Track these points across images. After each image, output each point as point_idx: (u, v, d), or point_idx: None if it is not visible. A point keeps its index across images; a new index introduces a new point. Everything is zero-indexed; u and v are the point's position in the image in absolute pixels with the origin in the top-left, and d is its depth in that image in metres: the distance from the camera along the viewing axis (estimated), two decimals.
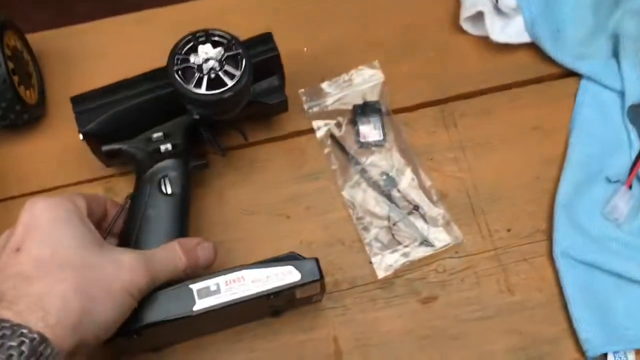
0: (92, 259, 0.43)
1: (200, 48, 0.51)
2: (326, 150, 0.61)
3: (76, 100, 0.54)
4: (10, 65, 0.57)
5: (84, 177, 0.60)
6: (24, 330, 0.37)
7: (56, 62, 0.64)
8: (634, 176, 0.58)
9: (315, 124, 0.61)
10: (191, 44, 0.51)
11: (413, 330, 0.55)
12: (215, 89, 0.50)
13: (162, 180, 0.53)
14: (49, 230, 0.43)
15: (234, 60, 0.51)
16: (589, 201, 0.58)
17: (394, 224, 0.58)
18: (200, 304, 0.47)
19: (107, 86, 0.55)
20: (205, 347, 0.55)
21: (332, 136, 0.61)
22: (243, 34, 0.53)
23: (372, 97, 0.62)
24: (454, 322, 0.55)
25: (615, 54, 0.62)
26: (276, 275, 0.47)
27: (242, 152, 0.61)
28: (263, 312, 0.54)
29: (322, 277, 0.48)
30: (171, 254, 0.48)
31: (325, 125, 0.61)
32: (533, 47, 0.64)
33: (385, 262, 0.57)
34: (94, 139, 0.54)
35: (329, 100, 0.62)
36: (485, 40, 0.63)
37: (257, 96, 0.56)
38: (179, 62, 0.50)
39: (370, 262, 0.57)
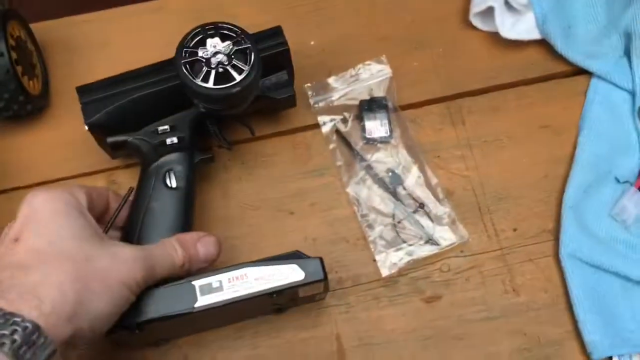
0: (90, 251, 0.43)
1: (209, 41, 0.50)
2: (331, 146, 0.60)
3: (82, 91, 0.54)
4: (14, 55, 0.56)
5: (87, 169, 0.60)
6: (17, 319, 0.37)
7: (60, 52, 0.64)
8: None
9: (321, 119, 0.61)
10: (200, 36, 0.50)
11: (417, 329, 0.55)
12: (223, 84, 0.49)
13: (167, 173, 0.53)
14: (48, 221, 0.43)
15: (242, 55, 0.50)
16: (597, 202, 0.57)
17: (399, 222, 0.58)
18: (202, 301, 0.47)
19: (114, 77, 0.54)
20: (207, 343, 0.54)
21: (337, 132, 0.60)
22: (249, 26, 0.52)
23: (379, 93, 0.61)
24: (458, 322, 0.55)
25: (627, 53, 0.61)
26: (280, 274, 0.47)
27: (248, 146, 0.61)
28: (266, 310, 0.54)
29: (326, 277, 0.48)
30: (168, 249, 0.48)
31: (331, 120, 0.61)
32: (543, 44, 0.63)
33: (389, 260, 0.56)
34: (99, 131, 0.54)
35: (335, 95, 0.61)
36: (495, 36, 0.63)
37: (265, 91, 0.55)
38: (186, 55, 0.50)
39: (374, 260, 0.57)
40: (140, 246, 0.47)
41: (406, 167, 0.59)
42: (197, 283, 0.47)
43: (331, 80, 0.62)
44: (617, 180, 0.58)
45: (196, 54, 0.49)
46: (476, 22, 0.63)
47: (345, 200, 0.59)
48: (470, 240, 0.57)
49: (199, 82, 0.49)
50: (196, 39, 0.50)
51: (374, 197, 0.58)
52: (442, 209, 0.58)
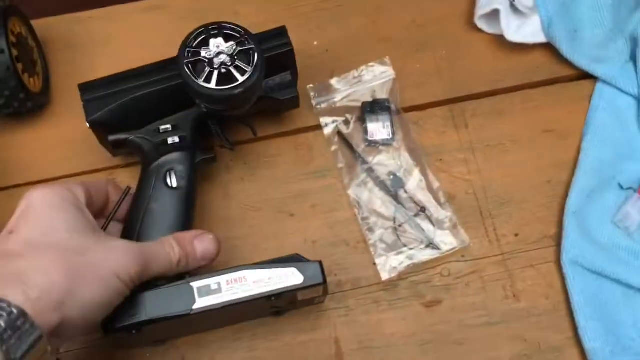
0: (83, 243, 0.43)
1: (212, 42, 0.50)
2: (333, 148, 0.60)
3: (84, 88, 0.53)
4: (15, 52, 0.56)
5: (87, 167, 0.60)
6: (2, 304, 0.37)
7: (61, 49, 0.64)
8: None
9: (323, 120, 0.60)
10: (203, 36, 0.50)
11: (416, 333, 0.55)
12: (225, 85, 0.49)
13: (168, 173, 0.53)
14: (43, 215, 0.44)
15: (246, 56, 0.50)
16: (600, 208, 0.57)
17: (400, 226, 0.57)
18: (200, 303, 0.47)
19: (116, 75, 0.54)
20: (205, 344, 0.54)
21: (339, 133, 0.60)
22: (252, 26, 0.51)
23: (382, 95, 0.61)
24: (458, 327, 0.55)
25: (633, 58, 0.61)
26: (278, 277, 0.47)
27: (251, 146, 0.60)
28: (264, 312, 0.53)
29: (325, 281, 0.47)
30: (165, 246, 0.48)
31: (333, 122, 0.60)
32: (548, 47, 0.62)
33: (389, 264, 0.56)
34: (101, 128, 0.53)
35: (338, 97, 0.61)
36: (500, 39, 0.62)
37: (268, 91, 0.55)
38: (189, 54, 0.49)
39: (375, 264, 0.56)
40: (136, 242, 0.48)
41: (408, 170, 0.59)
42: (196, 285, 0.47)
43: (334, 81, 0.61)
44: (621, 187, 0.57)
45: (199, 54, 0.49)
46: (481, 24, 0.63)
47: (346, 202, 0.58)
48: (472, 245, 0.57)
49: (201, 82, 0.48)
50: (199, 39, 0.50)
51: (375, 200, 0.58)
52: (443, 213, 0.57)
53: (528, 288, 0.56)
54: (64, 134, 0.60)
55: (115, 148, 0.55)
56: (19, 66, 0.56)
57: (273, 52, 0.53)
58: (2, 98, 0.56)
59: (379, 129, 0.60)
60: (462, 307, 0.55)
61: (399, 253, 0.56)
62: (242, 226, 0.58)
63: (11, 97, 0.56)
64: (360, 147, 0.60)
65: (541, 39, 0.62)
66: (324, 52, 0.63)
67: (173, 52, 0.50)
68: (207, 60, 0.49)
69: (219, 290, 0.47)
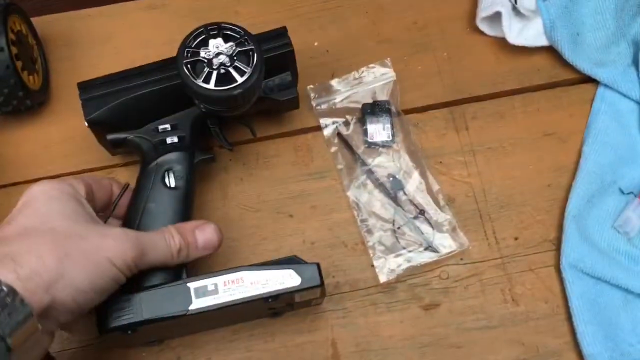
0: (80, 230, 0.44)
1: (212, 42, 0.49)
2: (333, 149, 0.59)
3: (83, 87, 0.53)
4: (14, 50, 0.56)
5: (86, 165, 0.60)
6: None
7: (61, 47, 0.63)
8: None
9: (323, 121, 0.60)
10: (202, 36, 0.50)
11: (414, 336, 0.54)
12: (224, 85, 0.48)
13: (167, 173, 0.53)
14: (40, 206, 0.44)
15: (245, 56, 0.49)
16: (600, 212, 0.57)
17: (399, 228, 0.57)
18: (197, 304, 0.46)
19: (116, 74, 0.54)
20: (201, 344, 0.54)
21: (339, 135, 0.60)
22: (252, 26, 0.51)
23: (383, 96, 0.61)
24: (457, 330, 0.55)
25: (635, 62, 0.60)
26: (276, 279, 0.47)
27: (250, 147, 0.60)
28: (261, 313, 0.53)
29: (322, 283, 0.47)
30: (164, 234, 0.47)
31: (333, 123, 0.60)
32: (550, 50, 0.62)
33: (388, 266, 0.56)
34: (99, 127, 0.53)
35: (338, 98, 0.61)
36: (501, 42, 0.62)
37: (268, 92, 0.54)
38: (188, 54, 0.49)
39: (373, 266, 0.56)
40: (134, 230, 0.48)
41: (407, 172, 0.59)
42: (192, 285, 0.47)
43: (334, 82, 0.61)
44: (621, 192, 0.57)
45: (198, 54, 0.49)
46: (483, 27, 0.62)
47: (345, 204, 0.58)
48: (471, 248, 0.57)
49: (200, 82, 0.48)
50: (199, 39, 0.49)
51: (374, 201, 0.58)
52: (442, 216, 0.57)
53: (527, 292, 0.55)
54: (63, 132, 0.60)
55: (114, 147, 0.55)
56: (19, 64, 0.56)
57: (273, 53, 0.53)
58: (1, 96, 0.55)
59: (379, 130, 0.59)
60: (460, 310, 0.55)
61: (397, 255, 0.56)
62: (240, 227, 0.57)
63: (10, 94, 0.56)
64: (360, 149, 0.59)
65: (543, 42, 0.61)
66: (324, 53, 0.63)
67: (173, 51, 0.50)
68: (206, 61, 0.49)
69: (215, 291, 0.47)
